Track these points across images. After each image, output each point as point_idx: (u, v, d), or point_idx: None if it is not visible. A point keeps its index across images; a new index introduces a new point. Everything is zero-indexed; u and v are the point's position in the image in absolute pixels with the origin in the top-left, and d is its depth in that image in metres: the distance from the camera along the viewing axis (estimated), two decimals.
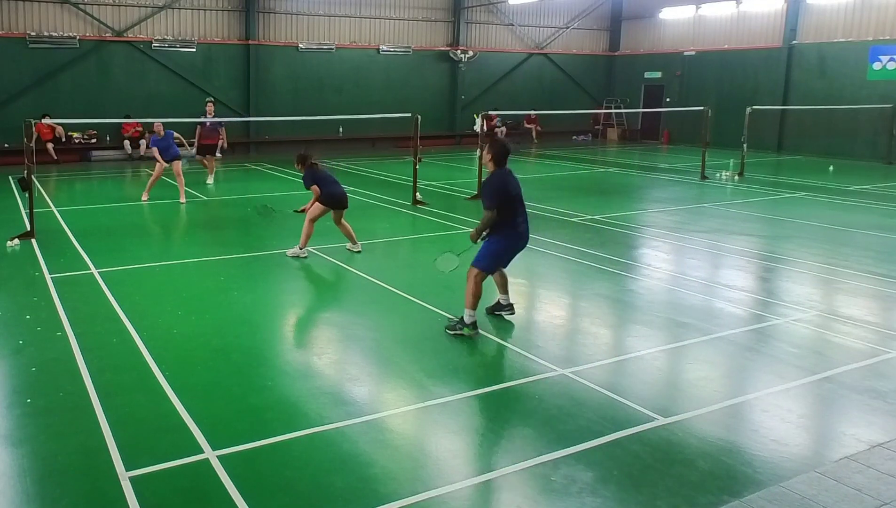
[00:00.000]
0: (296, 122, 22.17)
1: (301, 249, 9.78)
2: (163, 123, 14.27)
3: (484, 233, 6.82)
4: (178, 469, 4.43)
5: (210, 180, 16.78)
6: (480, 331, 6.87)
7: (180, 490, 4.24)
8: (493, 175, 6.80)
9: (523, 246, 7.00)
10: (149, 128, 16.92)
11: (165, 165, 14.22)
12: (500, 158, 6.76)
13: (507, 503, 4.18)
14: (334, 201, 9.78)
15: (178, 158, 14.30)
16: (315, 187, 9.62)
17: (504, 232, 6.77)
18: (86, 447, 4.69)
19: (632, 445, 4.77)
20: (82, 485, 4.27)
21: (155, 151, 14.29)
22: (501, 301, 7.34)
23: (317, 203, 9.70)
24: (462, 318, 6.79)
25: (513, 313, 7.34)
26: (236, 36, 24.56)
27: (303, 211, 9.86)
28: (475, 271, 6.75)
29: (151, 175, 14.78)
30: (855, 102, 23.58)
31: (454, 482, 4.32)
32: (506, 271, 7.28)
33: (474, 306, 6.74)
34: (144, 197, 14.44)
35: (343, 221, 10.02)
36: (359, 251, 10.08)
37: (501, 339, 6.79)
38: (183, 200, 14.31)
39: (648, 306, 7.96)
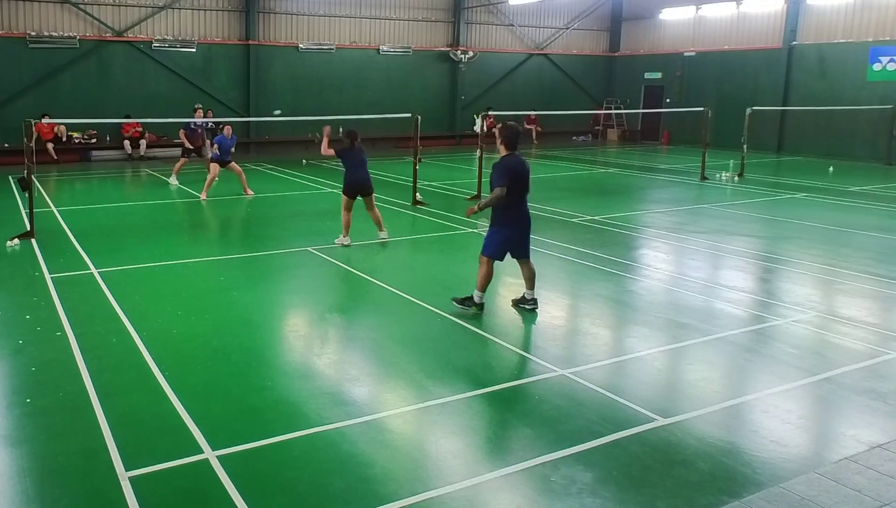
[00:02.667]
0: (296, 122, 22.16)
1: (345, 236, 10.44)
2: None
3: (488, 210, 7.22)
4: (178, 469, 4.43)
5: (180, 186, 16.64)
6: (483, 332, 6.89)
7: (180, 490, 4.24)
8: (504, 158, 7.11)
9: (526, 233, 7.28)
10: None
11: (220, 167, 14.96)
12: (510, 141, 7.07)
13: (506, 503, 4.18)
14: (356, 186, 10.39)
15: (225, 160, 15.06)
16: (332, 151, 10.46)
17: (507, 220, 7.12)
18: (85, 447, 4.69)
19: (631, 446, 4.77)
20: (82, 485, 4.27)
21: (214, 149, 15.34)
22: (525, 295, 7.50)
23: (342, 195, 10.41)
24: (471, 296, 7.36)
25: (534, 309, 7.44)
26: (236, 36, 24.56)
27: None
28: (483, 258, 7.27)
29: (207, 177, 15.13)
30: (855, 102, 23.59)
31: (454, 482, 4.32)
32: (531, 262, 7.48)
33: (482, 288, 7.30)
34: (203, 196, 14.85)
35: (374, 208, 10.64)
36: (386, 240, 10.65)
37: (501, 339, 6.78)
38: (249, 192, 15.35)
39: (648, 306, 7.96)
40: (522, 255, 7.39)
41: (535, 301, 7.47)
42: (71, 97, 21.91)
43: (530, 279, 7.44)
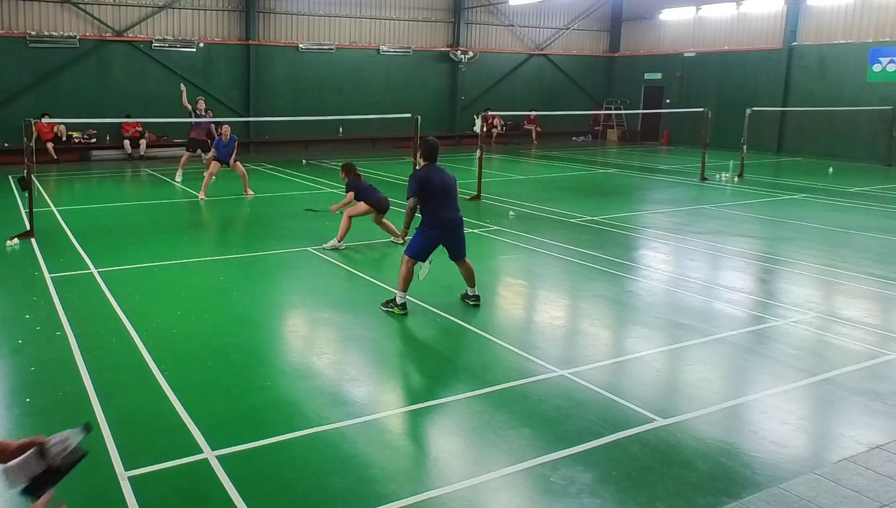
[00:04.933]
0: (296, 122, 22.15)
1: (339, 241, 10.32)
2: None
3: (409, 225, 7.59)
4: (177, 469, 4.43)
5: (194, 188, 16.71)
6: (482, 332, 6.89)
7: (179, 490, 4.25)
8: (418, 169, 7.61)
9: (451, 236, 7.54)
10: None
11: (224, 166, 15.01)
12: (426, 153, 7.56)
13: (506, 503, 4.18)
14: (376, 204, 10.53)
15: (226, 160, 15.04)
16: (351, 194, 10.56)
17: (430, 224, 7.48)
18: (84, 446, 4.67)
19: (631, 446, 4.77)
20: (81, 485, 4.26)
21: (212, 152, 15.32)
22: (468, 292, 7.80)
23: (361, 205, 10.47)
24: (394, 298, 7.47)
25: (477, 305, 7.67)
26: (236, 36, 24.56)
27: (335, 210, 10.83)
28: (405, 257, 7.47)
29: (205, 177, 15.10)
30: (855, 103, 23.59)
31: (453, 482, 4.32)
32: (468, 262, 7.71)
33: (404, 289, 7.43)
34: (202, 196, 14.72)
35: (384, 220, 10.72)
36: (403, 243, 10.38)
37: (501, 340, 6.78)
38: (249, 192, 15.29)
39: (648, 307, 7.96)
40: (457, 256, 7.68)
41: (477, 298, 7.72)
42: (71, 97, 21.90)
43: (469, 278, 7.71)
